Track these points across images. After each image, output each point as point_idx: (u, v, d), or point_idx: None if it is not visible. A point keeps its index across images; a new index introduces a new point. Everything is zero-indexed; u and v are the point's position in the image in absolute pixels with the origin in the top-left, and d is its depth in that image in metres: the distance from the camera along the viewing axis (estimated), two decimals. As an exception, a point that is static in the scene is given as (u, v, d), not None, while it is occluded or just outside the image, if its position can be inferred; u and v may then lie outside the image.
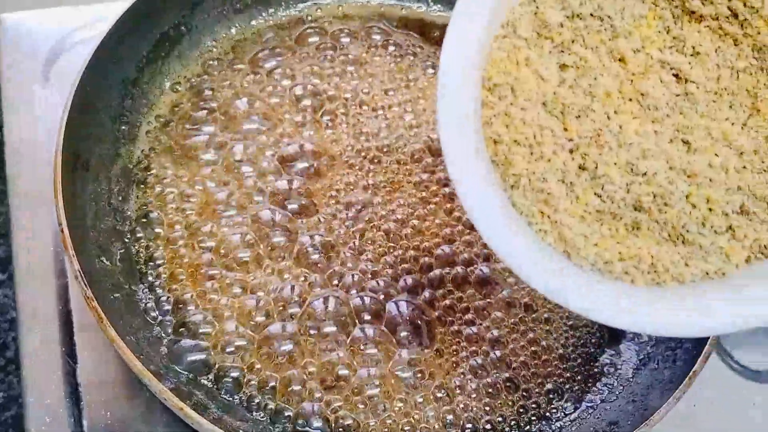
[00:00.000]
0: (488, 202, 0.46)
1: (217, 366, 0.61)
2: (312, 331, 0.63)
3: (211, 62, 0.77)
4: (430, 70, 0.79)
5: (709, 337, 0.58)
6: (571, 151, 0.48)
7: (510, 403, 0.62)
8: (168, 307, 0.63)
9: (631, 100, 0.49)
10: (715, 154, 0.48)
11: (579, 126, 0.48)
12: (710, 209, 0.48)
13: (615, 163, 0.48)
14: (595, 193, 0.48)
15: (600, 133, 0.48)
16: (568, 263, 0.48)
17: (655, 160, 0.48)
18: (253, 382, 0.61)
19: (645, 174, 0.48)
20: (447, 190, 0.71)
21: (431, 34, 0.82)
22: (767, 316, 0.45)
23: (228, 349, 0.62)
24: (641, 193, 0.48)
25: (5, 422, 0.90)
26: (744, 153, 0.48)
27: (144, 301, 0.63)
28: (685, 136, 0.49)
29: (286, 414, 0.60)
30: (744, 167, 0.48)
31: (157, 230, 0.67)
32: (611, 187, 0.48)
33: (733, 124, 0.49)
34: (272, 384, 0.61)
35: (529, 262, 0.46)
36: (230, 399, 0.60)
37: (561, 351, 0.65)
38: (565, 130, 0.48)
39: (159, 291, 0.64)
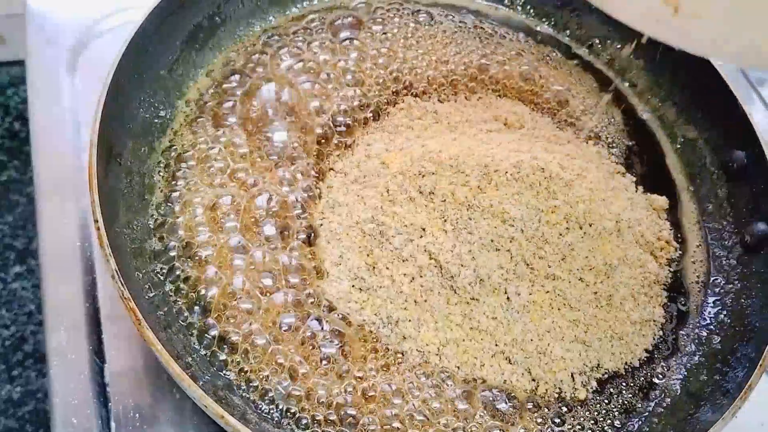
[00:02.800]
0: None
1: (251, 371, 0.59)
2: (353, 344, 0.61)
3: (246, 54, 0.75)
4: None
5: (764, 350, 0.57)
6: None
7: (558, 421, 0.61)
8: (203, 308, 0.60)
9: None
10: None
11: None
12: None
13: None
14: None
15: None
16: None
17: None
18: (295, 392, 0.58)
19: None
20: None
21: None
22: None
23: (262, 356, 0.59)
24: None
25: (23, 417, 0.88)
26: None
27: (178, 301, 0.61)
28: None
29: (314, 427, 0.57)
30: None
31: (187, 228, 0.64)
32: None
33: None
34: (308, 393, 0.58)
35: None
36: (268, 408, 0.57)
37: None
38: None
39: (193, 292, 0.61)
